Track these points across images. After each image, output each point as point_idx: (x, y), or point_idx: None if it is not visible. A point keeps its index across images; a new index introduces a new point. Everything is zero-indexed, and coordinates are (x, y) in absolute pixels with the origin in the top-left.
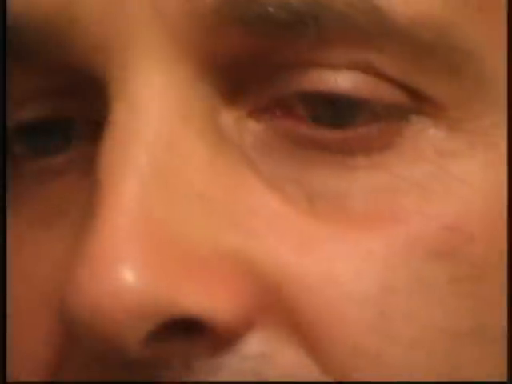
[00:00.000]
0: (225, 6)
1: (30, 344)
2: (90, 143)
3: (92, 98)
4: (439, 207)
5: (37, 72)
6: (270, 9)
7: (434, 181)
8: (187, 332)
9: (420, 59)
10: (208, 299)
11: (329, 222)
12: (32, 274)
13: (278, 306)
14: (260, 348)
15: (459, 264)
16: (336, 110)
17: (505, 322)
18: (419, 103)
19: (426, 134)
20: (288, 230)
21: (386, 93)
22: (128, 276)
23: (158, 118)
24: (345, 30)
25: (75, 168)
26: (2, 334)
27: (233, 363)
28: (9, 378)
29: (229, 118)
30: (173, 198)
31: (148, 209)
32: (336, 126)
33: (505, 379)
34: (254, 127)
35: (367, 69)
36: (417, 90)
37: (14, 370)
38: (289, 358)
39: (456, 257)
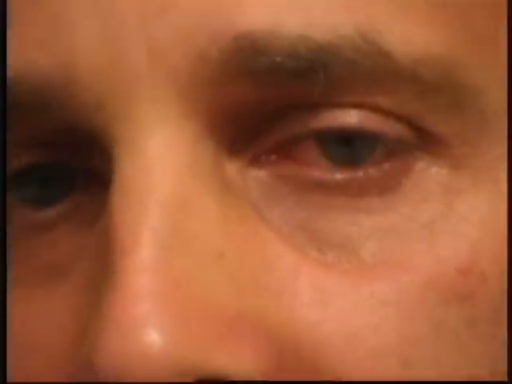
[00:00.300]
0: (231, 59)
1: None
2: (83, 194)
3: (90, 151)
4: (449, 248)
5: (34, 128)
6: (278, 59)
7: (442, 220)
8: None
9: (425, 98)
10: (233, 362)
11: (341, 273)
12: (33, 336)
13: (298, 366)
14: None
15: (475, 306)
16: (348, 147)
17: None
18: (424, 141)
19: (431, 172)
20: (301, 285)
21: (393, 131)
22: (155, 338)
23: (169, 175)
24: (352, 75)
25: (68, 220)
26: (2, 335)
27: None
28: (9, 379)
29: (232, 168)
30: (192, 258)
31: (169, 270)
32: (348, 165)
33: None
34: (257, 175)
35: (374, 108)
36: (422, 127)
37: None
38: None
39: (471, 299)
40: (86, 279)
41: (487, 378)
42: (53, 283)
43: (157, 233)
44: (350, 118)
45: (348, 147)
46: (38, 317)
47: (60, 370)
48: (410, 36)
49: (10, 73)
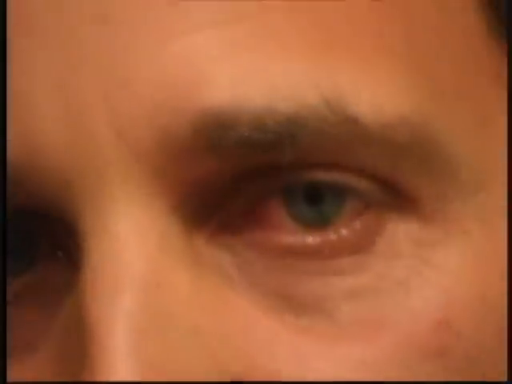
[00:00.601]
0: (199, 136)
1: None
2: (48, 266)
3: (56, 225)
4: (424, 303)
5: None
6: (245, 133)
7: (415, 275)
8: None
9: (394, 159)
10: None
11: (317, 336)
12: None
13: None
14: None
15: (450, 361)
16: (316, 207)
17: None
18: (394, 198)
19: (403, 228)
20: (280, 349)
21: (365, 188)
22: None
23: (139, 256)
24: (320, 143)
25: (34, 293)
26: (2, 334)
27: None
28: (9, 378)
29: (201, 237)
30: (167, 337)
31: (144, 353)
32: (318, 226)
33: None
34: (225, 242)
35: (343, 167)
36: (392, 185)
37: None
38: None
39: (446, 354)
40: (57, 357)
41: None
42: (22, 356)
43: (130, 317)
44: (318, 175)
45: (316, 206)
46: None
47: None
48: (377, 100)
49: None
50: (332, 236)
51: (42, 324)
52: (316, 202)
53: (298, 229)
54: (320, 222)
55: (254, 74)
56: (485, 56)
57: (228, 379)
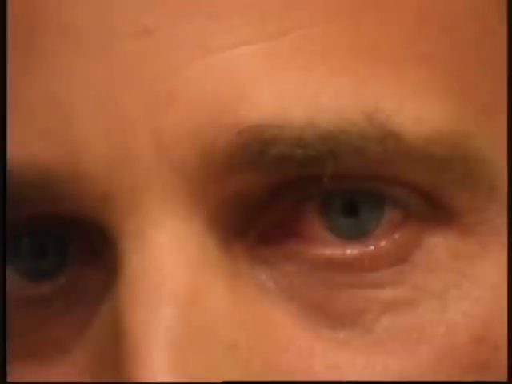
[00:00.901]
0: (238, 152)
1: None
2: (78, 270)
3: (89, 230)
4: (463, 317)
5: (35, 213)
6: (287, 149)
7: (454, 288)
8: None
9: (436, 173)
10: None
11: (354, 350)
12: None
13: None
14: None
15: (488, 375)
16: (354, 218)
17: None
18: (434, 210)
19: (441, 240)
20: (315, 364)
21: (404, 200)
22: None
23: (179, 268)
24: (361, 160)
25: (64, 296)
26: (2, 334)
27: None
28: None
29: (239, 248)
30: (206, 354)
31: (184, 371)
32: (357, 238)
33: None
34: (263, 254)
35: (382, 179)
36: (432, 198)
37: None
38: None
39: (486, 368)
40: (91, 363)
41: None
42: (54, 359)
43: (170, 333)
44: (357, 187)
45: (353, 218)
46: None
47: None
48: (420, 115)
49: (13, 166)
50: (371, 248)
51: (75, 327)
52: (354, 213)
53: (336, 241)
54: (358, 234)
55: (295, 89)
56: None
57: None
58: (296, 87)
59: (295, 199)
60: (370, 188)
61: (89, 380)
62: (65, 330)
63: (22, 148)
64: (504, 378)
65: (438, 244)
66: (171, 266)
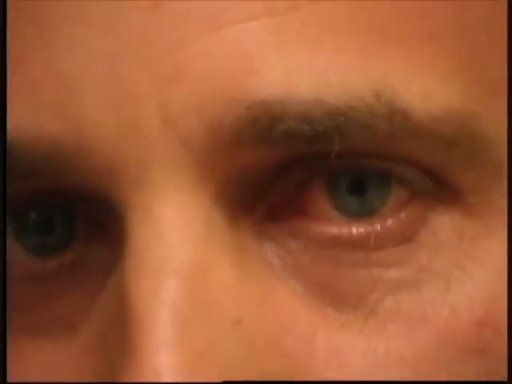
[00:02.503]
0: (246, 127)
1: None
2: (86, 245)
3: (97, 205)
4: (466, 299)
5: (41, 187)
6: (294, 125)
7: (458, 269)
8: None
9: (443, 152)
10: None
11: (357, 331)
12: None
13: None
14: None
15: (492, 359)
16: (362, 198)
17: None
18: (440, 189)
19: (447, 219)
20: (317, 346)
21: (411, 178)
22: None
23: (185, 241)
24: (369, 137)
25: (72, 271)
26: (2, 335)
27: None
28: (9, 378)
29: (247, 224)
30: (211, 328)
31: (189, 343)
32: (363, 217)
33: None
34: (270, 231)
35: (389, 157)
36: (438, 177)
37: None
38: None
39: (488, 352)
40: (98, 341)
41: None
42: (59, 335)
43: (174, 306)
44: (364, 165)
45: (360, 196)
46: (46, 369)
47: None
48: (428, 93)
49: (19, 137)
50: (377, 226)
51: (83, 303)
52: (360, 191)
53: (343, 219)
54: (364, 213)
55: (303, 65)
56: None
57: (264, 374)
58: (304, 63)
59: (303, 176)
60: (376, 166)
61: (90, 360)
62: (72, 306)
63: (28, 120)
64: (505, 362)
65: (444, 224)
66: (177, 240)
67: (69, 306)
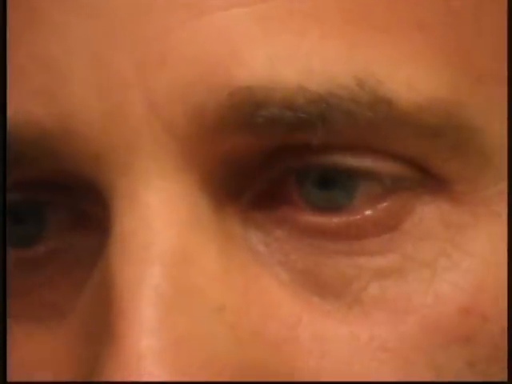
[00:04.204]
0: (229, 113)
1: None
2: (72, 233)
3: (81, 194)
4: (451, 287)
5: (27, 173)
6: (277, 111)
7: (444, 257)
8: None
9: (427, 141)
10: None
11: (341, 319)
12: (29, 376)
13: None
14: None
15: (476, 346)
16: (330, 193)
17: None
18: (425, 179)
19: (433, 208)
20: (301, 333)
21: (393, 169)
22: None
23: (169, 228)
24: (352, 124)
25: (60, 258)
26: (2, 335)
27: None
28: (9, 378)
29: (233, 211)
30: (194, 314)
31: (171, 329)
32: (333, 210)
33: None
34: (256, 218)
35: (372, 150)
36: (423, 167)
37: None
38: None
39: (473, 340)
40: (85, 327)
41: None
42: (50, 322)
43: (157, 292)
44: (345, 159)
45: (327, 191)
46: (36, 357)
47: None
48: (413, 82)
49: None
50: (357, 216)
51: (72, 291)
52: (327, 186)
53: (317, 212)
54: (331, 207)
55: (287, 52)
56: None
57: (246, 361)
58: (288, 50)
59: (288, 167)
60: (359, 160)
61: (76, 348)
62: (61, 294)
63: (16, 106)
64: (491, 350)
65: (431, 212)
66: (161, 226)
67: (58, 294)
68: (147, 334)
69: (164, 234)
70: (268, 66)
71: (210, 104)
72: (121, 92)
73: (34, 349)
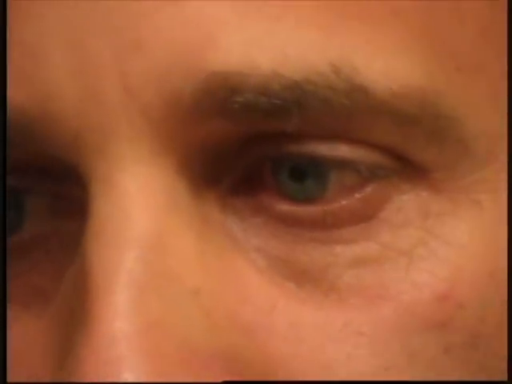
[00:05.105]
0: (204, 98)
1: None
2: (56, 218)
3: (65, 179)
4: (428, 275)
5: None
6: (252, 97)
7: (421, 246)
8: None
9: (403, 129)
10: None
11: (316, 306)
12: (18, 359)
13: None
14: None
15: (452, 333)
16: (304, 185)
17: None
18: (402, 167)
19: (411, 197)
20: (276, 319)
21: (369, 157)
22: (130, 381)
23: (145, 212)
24: (327, 112)
25: (41, 245)
26: (2, 335)
27: None
28: (9, 378)
29: (211, 196)
30: (168, 298)
31: (144, 312)
32: (307, 201)
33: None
34: (235, 204)
35: (347, 138)
36: (400, 155)
37: None
38: None
39: (449, 326)
40: (64, 311)
41: None
42: (36, 307)
43: (131, 275)
44: (320, 147)
45: (302, 183)
46: (23, 341)
47: None
48: (389, 70)
49: None
50: (333, 206)
51: (56, 276)
52: (300, 178)
53: (292, 202)
54: (305, 198)
55: (263, 39)
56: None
57: (220, 346)
58: (264, 36)
59: (264, 155)
60: (332, 148)
61: (56, 333)
62: (46, 279)
63: None
64: (468, 337)
65: (409, 201)
66: (137, 210)
67: (43, 280)
68: (120, 317)
69: (140, 218)
70: (243, 51)
71: (185, 89)
72: (96, 76)
73: (21, 334)
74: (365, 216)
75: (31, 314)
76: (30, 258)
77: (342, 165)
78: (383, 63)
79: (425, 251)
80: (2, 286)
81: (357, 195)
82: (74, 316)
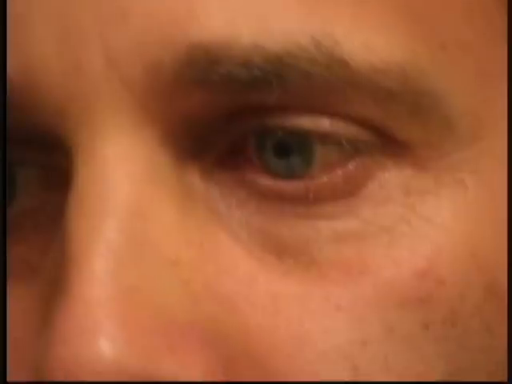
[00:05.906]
0: (185, 69)
1: None
2: (41, 190)
3: (52, 150)
4: (409, 252)
5: None
6: (233, 69)
7: (403, 223)
8: None
9: (385, 105)
10: (182, 370)
11: (296, 279)
12: (10, 333)
13: (249, 373)
14: None
15: (431, 309)
16: (287, 162)
17: (490, 367)
18: (385, 144)
19: (394, 174)
20: (256, 291)
21: (351, 131)
22: (106, 348)
23: (125, 182)
24: (308, 85)
25: (30, 217)
26: (2, 335)
27: None
28: (9, 378)
29: (195, 169)
30: (146, 266)
31: (121, 279)
32: (291, 177)
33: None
34: (219, 177)
35: (329, 112)
36: (382, 132)
37: None
38: None
39: (427, 302)
40: (49, 282)
41: (439, 379)
42: (26, 279)
43: (110, 242)
44: (303, 120)
45: (285, 160)
46: (14, 315)
47: (25, 370)
48: (370, 44)
49: None
50: (315, 181)
51: (44, 248)
52: (284, 154)
53: (275, 177)
54: (289, 174)
55: (244, 11)
56: (494, 11)
57: (197, 316)
58: (245, 9)
59: (246, 129)
60: (315, 123)
61: (46, 299)
62: (35, 251)
63: None
64: (447, 314)
65: (391, 178)
66: (117, 179)
67: (33, 252)
68: (96, 284)
69: (120, 187)
70: (224, 23)
71: (167, 60)
72: (80, 46)
73: (13, 305)
74: (347, 192)
75: (22, 286)
76: (21, 230)
77: (325, 139)
78: (365, 38)
79: (406, 228)
80: (2, 287)
81: (339, 171)
82: (55, 285)
